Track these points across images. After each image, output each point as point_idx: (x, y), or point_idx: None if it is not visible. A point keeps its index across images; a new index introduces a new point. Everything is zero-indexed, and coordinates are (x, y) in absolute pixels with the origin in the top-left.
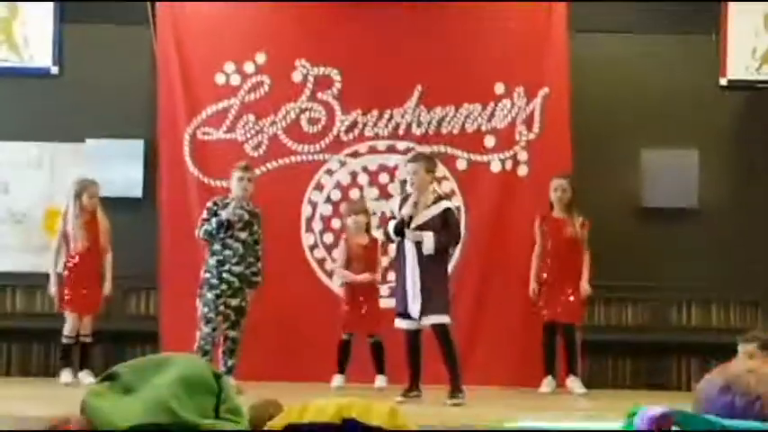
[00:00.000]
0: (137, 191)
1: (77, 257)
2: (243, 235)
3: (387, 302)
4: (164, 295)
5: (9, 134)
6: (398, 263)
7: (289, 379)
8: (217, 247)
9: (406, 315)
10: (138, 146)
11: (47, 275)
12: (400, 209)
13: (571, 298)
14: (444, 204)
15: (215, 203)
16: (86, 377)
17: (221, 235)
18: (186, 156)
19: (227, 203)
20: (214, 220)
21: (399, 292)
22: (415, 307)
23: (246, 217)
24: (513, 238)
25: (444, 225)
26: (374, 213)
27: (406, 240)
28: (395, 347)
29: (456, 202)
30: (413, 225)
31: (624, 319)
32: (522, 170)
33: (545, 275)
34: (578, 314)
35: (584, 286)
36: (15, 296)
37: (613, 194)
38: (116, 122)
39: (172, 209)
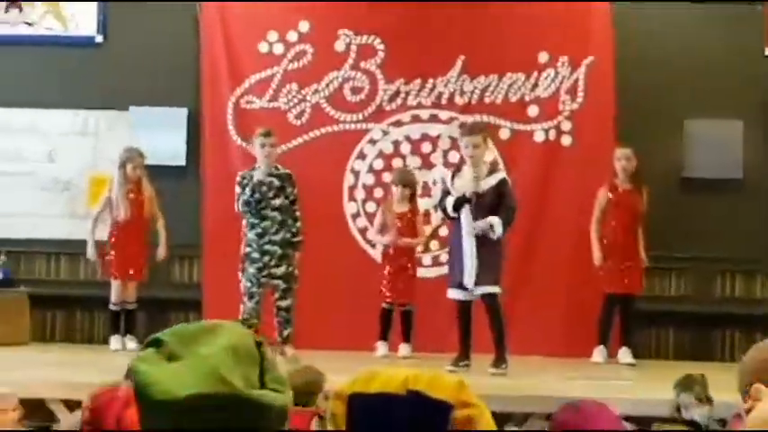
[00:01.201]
0: (180, 159)
1: (122, 226)
2: (277, 202)
3: (426, 272)
4: (207, 263)
5: (54, 102)
6: (454, 235)
7: (328, 347)
8: (254, 219)
9: (459, 286)
10: (181, 114)
11: None
12: (452, 180)
13: (634, 272)
14: (499, 175)
15: (243, 176)
16: (130, 343)
17: (259, 203)
18: (229, 124)
19: (254, 175)
20: (247, 189)
21: (455, 264)
22: (470, 279)
23: (277, 183)
24: (556, 207)
25: (500, 197)
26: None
27: (462, 214)
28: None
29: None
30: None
31: (667, 290)
32: (566, 140)
33: (605, 243)
34: (639, 285)
35: (643, 256)
36: (60, 263)
37: (657, 165)
38: (160, 91)
39: (215, 177)
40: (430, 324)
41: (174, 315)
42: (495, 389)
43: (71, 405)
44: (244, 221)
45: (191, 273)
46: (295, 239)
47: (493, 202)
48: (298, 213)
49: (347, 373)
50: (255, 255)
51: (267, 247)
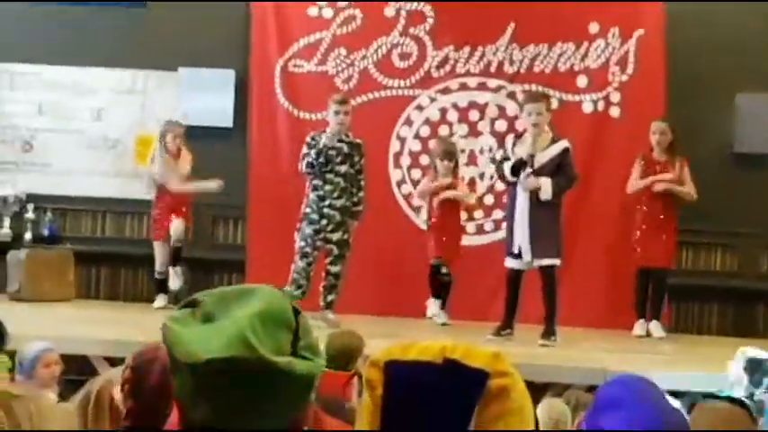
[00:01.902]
0: (227, 121)
1: (163, 192)
2: (343, 168)
3: (471, 240)
4: (252, 225)
5: (104, 61)
6: (511, 203)
7: (371, 312)
8: (318, 181)
9: (514, 254)
10: (229, 76)
11: (137, 201)
12: (513, 148)
13: (665, 242)
14: (562, 145)
15: (312, 138)
16: (176, 276)
17: (323, 167)
18: (277, 87)
19: (324, 139)
20: (313, 151)
21: (510, 231)
22: (525, 247)
23: (346, 149)
24: (603, 179)
25: (561, 166)
26: (463, 151)
27: (520, 178)
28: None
29: None
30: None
31: (713, 265)
32: (615, 111)
33: (638, 216)
34: (671, 259)
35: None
36: (105, 221)
37: (707, 138)
38: (208, 52)
39: (261, 140)
40: (472, 292)
41: (218, 276)
42: (533, 359)
43: (114, 362)
44: (307, 182)
45: (235, 234)
46: (355, 208)
47: (554, 170)
48: (362, 183)
49: (389, 338)
50: (314, 216)
51: (326, 210)
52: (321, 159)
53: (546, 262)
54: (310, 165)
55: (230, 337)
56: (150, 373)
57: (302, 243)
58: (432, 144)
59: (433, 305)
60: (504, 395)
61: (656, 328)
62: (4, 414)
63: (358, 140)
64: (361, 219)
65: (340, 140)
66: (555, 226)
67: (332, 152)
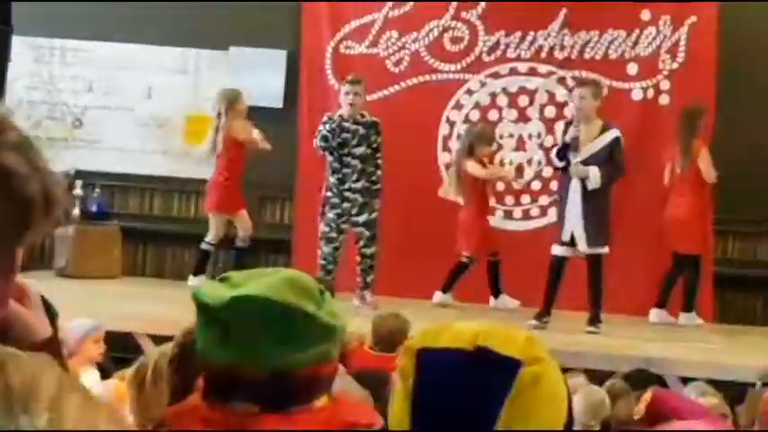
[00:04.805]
0: (278, 101)
1: (224, 164)
2: (359, 150)
3: (518, 225)
4: (299, 206)
5: (154, 38)
6: (561, 189)
7: (416, 296)
8: (336, 164)
9: (563, 242)
10: (281, 56)
11: (185, 180)
12: (564, 134)
13: (698, 230)
14: (614, 134)
15: (329, 117)
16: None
17: (340, 149)
18: (328, 68)
19: (339, 119)
20: (327, 125)
21: (562, 218)
22: (579, 234)
23: (361, 131)
24: (651, 166)
25: (611, 155)
26: (511, 136)
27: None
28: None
29: None
30: (580, 155)
31: (760, 254)
32: (664, 99)
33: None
34: (703, 246)
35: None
36: (153, 199)
37: (757, 129)
38: (260, 32)
39: (311, 121)
40: (516, 278)
41: (264, 256)
42: (576, 345)
43: (158, 340)
44: (327, 167)
45: (282, 214)
46: (374, 187)
47: (604, 159)
48: (380, 161)
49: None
50: (336, 200)
51: (347, 194)
52: (337, 139)
53: (595, 250)
54: (324, 138)
55: (258, 288)
56: (196, 352)
57: (326, 228)
58: (465, 130)
59: (440, 296)
60: (536, 383)
61: (690, 318)
62: None
63: (374, 119)
64: (381, 196)
65: (356, 122)
66: (605, 214)
67: (347, 135)
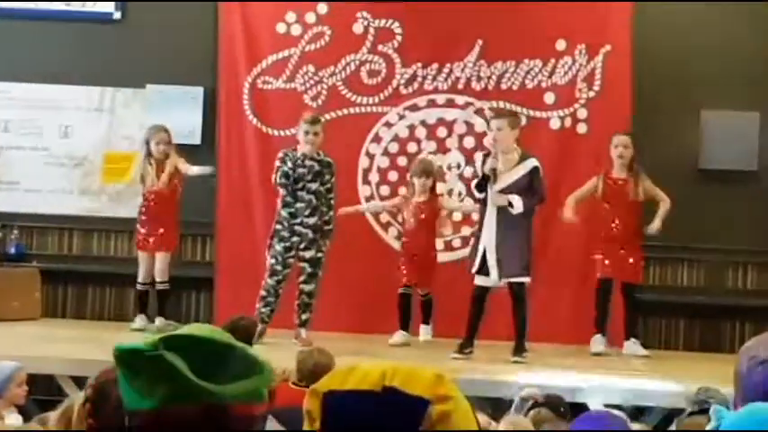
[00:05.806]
0: (195, 138)
1: (148, 201)
2: (314, 186)
3: (445, 256)
4: (220, 242)
5: (71, 78)
6: (479, 220)
7: (342, 330)
8: (289, 198)
9: (483, 272)
10: (197, 93)
11: (103, 219)
12: (483, 165)
13: (631, 259)
14: (532, 163)
15: (285, 153)
16: (163, 323)
17: (295, 185)
18: (245, 104)
19: (296, 155)
20: (289, 161)
21: (478, 248)
22: (494, 265)
23: (317, 167)
24: (570, 195)
25: (530, 184)
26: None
27: (488, 198)
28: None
29: None
30: (499, 185)
31: (680, 280)
32: (582, 128)
33: (602, 233)
34: (637, 274)
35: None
36: (72, 239)
37: (672, 155)
38: (177, 69)
39: (230, 157)
40: (450, 309)
41: (186, 294)
42: (501, 374)
43: (80, 382)
44: (278, 199)
45: (203, 251)
46: (326, 227)
47: (524, 189)
48: (332, 202)
49: (360, 355)
50: (285, 233)
51: (298, 228)
52: (297, 172)
53: (516, 279)
54: (285, 175)
55: (183, 332)
56: (112, 392)
57: (272, 261)
58: (410, 165)
59: (399, 335)
60: (445, 421)
61: (633, 347)
62: None
63: (329, 159)
64: (332, 238)
65: (311, 159)
66: (524, 243)
67: (303, 170)
